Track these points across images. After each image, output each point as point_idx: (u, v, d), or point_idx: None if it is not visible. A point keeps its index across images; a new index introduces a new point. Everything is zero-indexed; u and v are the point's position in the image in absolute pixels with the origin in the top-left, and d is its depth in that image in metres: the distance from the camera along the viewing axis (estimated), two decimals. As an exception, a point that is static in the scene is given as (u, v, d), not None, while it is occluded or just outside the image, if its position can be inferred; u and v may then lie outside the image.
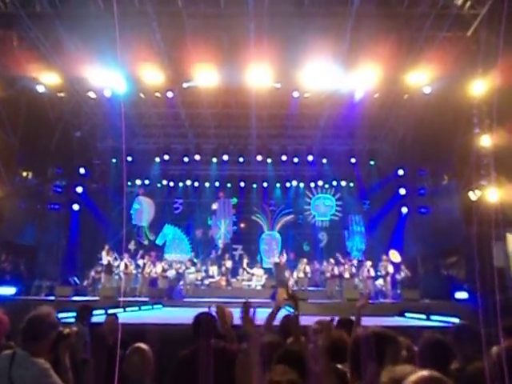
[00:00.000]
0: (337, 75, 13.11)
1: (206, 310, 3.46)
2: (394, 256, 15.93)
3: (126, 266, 15.90)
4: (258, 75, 12.99)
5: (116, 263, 15.85)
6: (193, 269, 16.94)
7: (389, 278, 15.44)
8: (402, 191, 18.27)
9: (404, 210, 18.27)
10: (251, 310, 2.65)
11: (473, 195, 12.49)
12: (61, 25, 12.03)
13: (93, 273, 16.78)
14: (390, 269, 15.43)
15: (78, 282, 17.12)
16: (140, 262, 16.68)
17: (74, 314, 5.72)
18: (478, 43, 11.38)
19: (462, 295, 13.06)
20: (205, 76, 13.23)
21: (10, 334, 3.66)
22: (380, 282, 15.93)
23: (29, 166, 15.88)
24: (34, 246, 16.31)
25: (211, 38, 12.29)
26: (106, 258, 15.45)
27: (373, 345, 1.99)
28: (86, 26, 11.63)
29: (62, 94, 14.98)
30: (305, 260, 16.79)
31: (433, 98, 14.04)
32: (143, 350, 2.91)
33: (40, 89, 13.78)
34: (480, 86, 11.78)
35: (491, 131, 11.81)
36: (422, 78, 12.97)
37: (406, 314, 10.95)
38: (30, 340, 2.58)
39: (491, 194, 11.81)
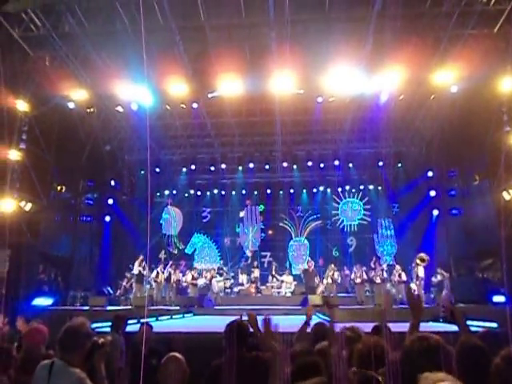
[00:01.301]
0: (361, 78, 13.00)
1: (237, 318, 3.46)
2: (420, 259, 15.32)
3: (158, 275, 16.16)
4: (282, 82, 13.05)
5: (145, 272, 16.05)
6: (220, 277, 17.03)
7: (422, 282, 15.05)
8: (432, 193, 17.87)
9: (435, 212, 17.86)
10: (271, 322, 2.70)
11: (507, 195, 12.11)
12: (89, 43, 12.49)
13: (124, 282, 17.12)
14: (421, 272, 15.02)
15: (111, 291, 17.51)
16: (167, 271, 16.83)
17: (109, 324, 5.87)
18: (506, 39, 11.07)
19: (499, 298, 12.62)
20: (228, 85, 13.38)
21: (50, 344, 3.80)
22: (412, 286, 15.55)
23: (62, 180, 16.41)
24: (69, 257, 16.79)
25: (234, 48, 12.44)
26: (137, 267, 15.73)
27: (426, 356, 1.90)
28: (113, 42, 12.05)
29: (91, 110, 15.47)
30: (332, 266, 16.60)
31: (460, 97, 13.71)
32: (178, 360, 2.96)
33: (71, 105, 14.29)
34: (509, 83, 11.46)
35: (523, 128, 11.46)
36: (448, 77, 12.70)
37: (441, 319, 10.66)
38: (67, 350, 2.66)
39: (526, 193, 11.44)
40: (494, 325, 7.74)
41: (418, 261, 15.04)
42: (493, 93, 11.99)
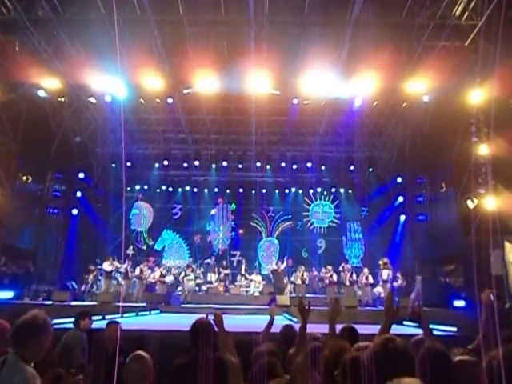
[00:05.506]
0: (336, 83, 13.17)
1: (203, 316, 3.43)
2: (382, 262, 15.65)
3: (127, 272, 15.87)
4: (258, 82, 13.06)
5: (113, 267, 15.74)
6: (192, 275, 16.89)
7: (389, 285, 15.37)
8: (401, 199, 18.32)
9: (402, 217, 18.30)
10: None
11: (470, 203, 12.53)
12: (62, 30, 12.12)
13: (91, 277, 16.76)
14: (385, 275, 15.34)
15: (75, 286, 17.10)
16: (138, 267, 16.56)
17: (72, 320, 5.74)
18: (476, 53, 11.48)
19: (459, 303, 13.05)
20: (205, 82, 13.28)
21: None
22: (379, 289, 15.91)
23: (28, 170, 15.89)
24: (33, 249, 16.27)
25: (211, 45, 12.37)
26: (107, 265, 15.44)
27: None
28: (88, 31, 11.72)
29: (62, 99, 15.03)
30: (303, 267, 16.75)
31: (431, 107, 14.13)
32: (144, 358, 2.90)
33: (41, 94, 13.85)
34: (477, 95, 11.84)
35: (489, 140, 11.87)
36: (420, 86, 13.04)
37: (405, 322, 10.90)
38: (18, 343, 2.53)
39: (489, 202, 11.84)
40: (454, 329, 8.00)
41: (381, 263, 15.41)
42: (462, 104, 12.38)
